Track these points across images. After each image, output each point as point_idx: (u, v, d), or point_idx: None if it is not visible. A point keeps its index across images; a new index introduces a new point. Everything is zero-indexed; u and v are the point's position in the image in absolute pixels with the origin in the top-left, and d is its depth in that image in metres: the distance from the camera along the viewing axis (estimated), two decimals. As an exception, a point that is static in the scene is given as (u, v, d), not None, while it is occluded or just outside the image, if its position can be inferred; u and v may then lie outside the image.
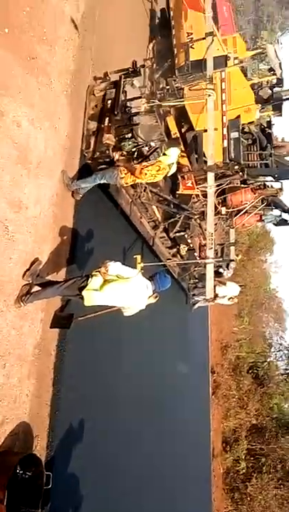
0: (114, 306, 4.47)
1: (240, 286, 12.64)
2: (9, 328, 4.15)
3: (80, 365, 5.88)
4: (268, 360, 27.95)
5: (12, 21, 4.31)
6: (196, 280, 13.06)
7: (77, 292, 4.23)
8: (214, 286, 8.23)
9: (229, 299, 11.80)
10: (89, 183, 5.57)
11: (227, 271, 12.11)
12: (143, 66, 7.12)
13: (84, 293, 4.14)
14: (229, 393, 21.96)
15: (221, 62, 7.75)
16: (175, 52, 8.35)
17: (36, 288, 4.43)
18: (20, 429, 4.19)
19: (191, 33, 7.94)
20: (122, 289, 4.18)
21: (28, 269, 4.40)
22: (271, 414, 23.21)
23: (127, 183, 5.63)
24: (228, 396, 21.89)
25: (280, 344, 30.43)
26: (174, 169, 5.85)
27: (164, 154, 5.67)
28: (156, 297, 4.45)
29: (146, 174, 5.50)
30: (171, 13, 8.98)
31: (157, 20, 10.25)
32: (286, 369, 28.40)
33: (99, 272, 4.19)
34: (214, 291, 8.26)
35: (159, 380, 10.44)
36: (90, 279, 4.20)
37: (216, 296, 11.24)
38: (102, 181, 5.58)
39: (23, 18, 4.53)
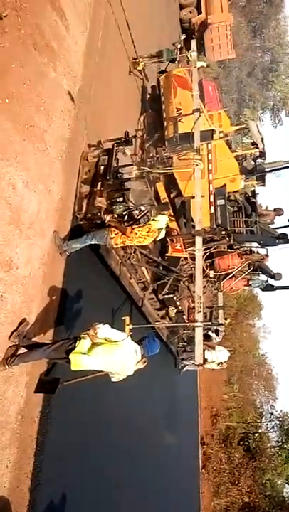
0: (102, 371, 4.31)
1: (229, 351, 12.44)
2: (-9, 392, 3.94)
3: (64, 434, 5.56)
4: (259, 431, 26.82)
5: (13, 92, 4.59)
6: (185, 343, 12.84)
7: (64, 355, 4.11)
8: (203, 351, 8.09)
9: (218, 364, 11.56)
10: (80, 243, 5.63)
11: (216, 337, 11.98)
12: (134, 136, 7.56)
13: (71, 356, 4.02)
14: (220, 467, 20.74)
15: (208, 135, 8.30)
16: (165, 124, 8.90)
17: (22, 350, 4.28)
18: (-1, 505, 3.83)
19: (180, 109, 8.54)
20: (111, 353, 4.07)
21: (15, 330, 4.29)
22: (264, 492, 21.80)
23: (116, 244, 5.70)
24: (219, 470, 20.62)
25: (271, 414, 29.37)
26: (162, 234, 6.00)
27: (154, 220, 5.84)
28: (144, 362, 4.33)
29: (136, 234, 5.61)
30: (162, 90, 9.71)
31: (148, 96, 11.05)
32: (278, 441, 27.13)
33: (87, 334, 4.10)
34: (203, 356, 8.10)
35: (145, 452, 9.84)
36: (77, 341, 4.11)
37: (205, 360, 11.03)
38: (92, 242, 5.66)
39: (23, 90, 4.83)
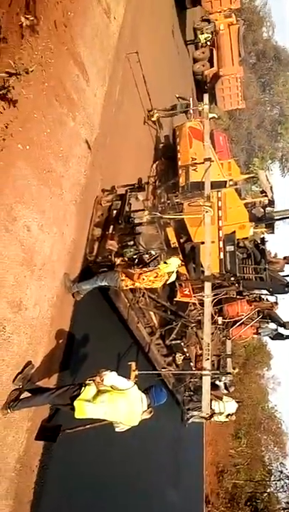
0: (106, 420, 4.16)
1: (237, 402, 12.02)
2: (-8, 438, 3.82)
3: (63, 486, 5.30)
4: (268, 490, 25.25)
5: (34, 139, 4.80)
6: (192, 393, 12.43)
7: (69, 402, 3.99)
8: (210, 401, 7.82)
9: (227, 416, 11.14)
10: (90, 284, 5.65)
11: (225, 389, 11.60)
12: (147, 183, 7.76)
13: (76, 403, 3.90)
14: (226, 532, 19.37)
15: (221, 185, 8.53)
16: (179, 172, 9.15)
17: (26, 394, 4.18)
18: None
19: (195, 158, 8.82)
20: (117, 402, 3.95)
21: (20, 373, 4.21)
22: None
23: (127, 286, 5.71)
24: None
25: (281, 472, 27.74)
26: (173, 277, 5.99)
27: (165, 263, 5.86)
28: (150, 412, 4.18)
29: (144, 279, 5.61)
30: (177, 140, 10.07)
31: (161, 145, 11.46)
32: (288, 502, 25.46)
33: (93, 380, 4.00)
34: (210, 407, 7.82)
35: (148, 509, 9.27)
36: (83, 388, 4.00)
37: (212, 413, 10.65)
38: (103, 283, 5.67)
39: (43, 138, 5.06)
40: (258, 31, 40.90)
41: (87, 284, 5.65)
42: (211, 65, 22.22)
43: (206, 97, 10.46)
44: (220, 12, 21.22)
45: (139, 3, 10.41)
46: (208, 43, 22.14)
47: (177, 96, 11.30)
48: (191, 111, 11.04)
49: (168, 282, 6.00)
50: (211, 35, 21.67)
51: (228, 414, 11.44)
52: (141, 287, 5.93)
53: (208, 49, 21.86)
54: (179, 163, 9.41)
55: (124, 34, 8.68)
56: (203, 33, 21.64)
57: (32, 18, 4.38)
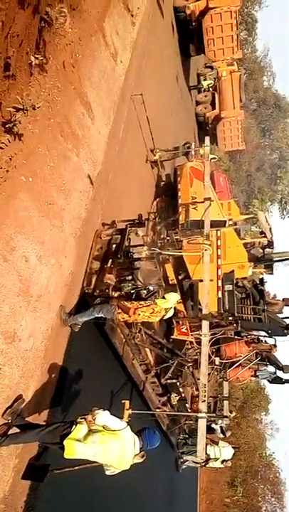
0: (96, 462, 3.97)
1: (233, 447, 11.57)
2: (-25, 476, 3.63)
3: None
4: None
5: (37, 172, 4.88)
6: (186, 436, 12.01)
7: (58, 440, 3.83)
8: (206, 445, 7.52)
9: (222, 462, 10.71)
10: (87, 316, 5.58)
11: (222, 433, 11.23)
12: (147, 219, 7.86)
13: (65, 442, 3.74)
14: None
15: (220, 224, 8.64)
16: (180, 210, 9.29)
17: (14, 429, 4.02)
18: None
19: (195, 197, 8.98)
20: (108, 443, 3.79)
21: (9, 407, 4.06)
22: None
23: (123, 318, 5.63)
24: None
25: (278, 525, 26.30)
26: (170, 313, 5.91)
27: (164, 297, 5.80)
28: (142, 456, 4.00)
29: (139, 315, 5.54)
30: (178, 179, 10.29)
31: (162, 183, 11.70)
32: None
33: (85, 419, 3.85)
34: (205, 452, 7.51)
35: None
36: (74, 426, 3.85)
37: (207, 458, 10.24)
38: (99, 315, 5.59)
39: (46, 171, 5.15)
40: (259, 80, 42.89)
41: (83, 316, 5.58)
42: (213, 108, 23.24)
43: (207, 139, 10.79)
44: (222, 60, 22.31)
45: (145, 49, 10.95)
46: (211, 89, 23.23)
47: (183, 144, 11.63)
48: (193, 152, 11.35)
49: (165, 318, 5.91)
50: (213, 82, 22.75)
51: (224, 460, 10.99)
52: (137, 321, 5.83)
53: (211, 93, 22.88)
54: (180, 201, 9.58)
55: (130, 77, 9.06)
56: (206, 79, 22.74)
57: (41, 58, 4.57)
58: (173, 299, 5.81)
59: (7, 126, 4.06)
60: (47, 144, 5.16)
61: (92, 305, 5.72)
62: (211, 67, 22.64)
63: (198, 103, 23.55)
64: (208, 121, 24.23)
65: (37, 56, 4.44)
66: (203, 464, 11.72)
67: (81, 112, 6.36)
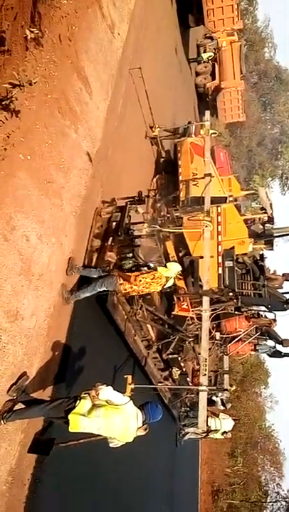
0: (100, 435, 4.08)
1: (234, 419, 11.86)
2: (-17, 449, 3.74)
3: (55, 502, 5.15)
4: (264, 512, 24.73)
5: (35, 150, 4.82)
6: (188, 409, 12.28)
7: (63, 415, 3.91)
8: (207, 418, 7.71)
9: (223, 433, 10.99)
10: (89, 291, 5.61)
11: (223, 405, 11.49)
12: (147, 196, 7.80)
13: (70, 417, 3.83)
14: None
15: (221, 201, 8.57)
16: (180, 187, 9.19)
17: (20, 405, 4.11)
18: None
19: (196, 173, 8.87)
20: (111, 417, 3.88)
21: (14, 384, 4.14)
22: None
23: (125, 290, 5.64)
24: None
25: (277, 493, 27.23)
26: (171, 282, 5.93)
27: (165, 266, 5.87)
28: (145, 429, 4.10)
29: (140, 281, 5.58)
30: (178, 155, 10.14)
31: (162, 159, 11.55)
32: (284, 524, 24.92)
33: (88, 394, 3.93)
34: (207, 424, 7.71)
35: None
36: (77, 401, 3.93)
37: (208, 430, 10.50)
38: (102, 289, 5.63)
39: (44, 149, 5.08)
40: (260, 51, 41.72)
41: (86, 291, 5.61)
42: (213, 78, 22.81)
43: (207, 113, 10.60)
44: (222, 31, 21.70)
45: (143, 20, 10.61)
46: (211, 61, 22.70)
47: (184, 126, 11.39)
48: (193, 128, 11.13)
49: (165, 286, 5.91)
50: (213, 54, 22.17)
51: (224, 432, 11.29)
52: (138, 290, 5.80)
53: (211, 63, 22.37)
54: (180, 177, 9.48)
55: (128, 50, 8.82)
56: (206, 51, 22.15)
57: (37, 31, 4.44)
58: (174, 268, 5.88)
59: (3, 103, 3.98)
60: (44, 120, 5.08)
61: (94, 279, 5.75)
62: (211, 38, 22.01)
63: (197, 74, 23.09)
64: (208, 92, 23.82)
65: (32, 29, 4.31)
66: (203, 435, 12.07)
67: (79, 87, 6.23)
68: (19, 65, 4.36)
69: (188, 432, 13.06)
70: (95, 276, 5.73)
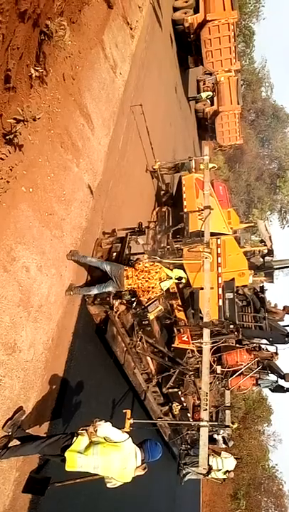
0: (97, 475, 3.92)
1: (236, 458, 11.46)
2: (-25, 490, 3.58)
3: None
4: None
5: (37, 183, 4.92)
6: (188, 446, 11.88)
7: (59, 452, 3.79)
8: (208, 456, 7.44)
9: (225, 473, 10.59)
10: (96, 289, 5.81)
11: (224, 442, 11.16)
12: (147, 227, 7.86)
13: (67, 454, 3.70)
14: None
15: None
16: (186, 220, 9.28)
17: (15, 441, 3.98)
18: None
19: (201, 209, 8.97)
20: (109, 455, 3.75)
21: (10, 419, 4.04)
22: None
23: (130, 284, 5.71)
24: None
25: (283, 538, 25.83)
26: (169, 283, 5.98)
27: (169, 269, 5.99)
28: (144, 469, 3.96)
29: (145, 267, 5.74)
30: (184, 189, 10.31)
31: (162, 192, 11.75)
32: None
33: (86, 430, 3.81)
34: (208, 462, 7.42)
35: None
36: (74, 438, 3.81)
37: (210, 469, 10.11)
38: (108, 289, 5.79)
39: (46, 182, 5.18)
40: (257, 91, 43.35)
41: (93, 289, 5.78)
42: (212, 105, 23.87)
43: (206, 148, 10.85)
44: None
45: (144, 61, 11.09)
46: (209, 101, 23.77)
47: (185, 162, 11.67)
48: (193, 162, 11.37)
49: (163, 285, 5.88)
50: (212, 94, 23.23)
51: (227, 471, 10.88)
52: (141, 285, 5.77)
53: (211, 91, 23.47)
54: (185, 210, 9.59)
55: (129, 88, 9.17)
56: (205, 91, 23.18)
57: (41, 70, 4.63)
58: (177, 271, 5.99)
59: (7, 137, 4.10)
60: (47, 154, 5.20)
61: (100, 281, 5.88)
62: (210, 74, 23.18)
63: (197, 101, 24.29)
64: (206, 116, 25.24)
65: (37, 68, 4.49)
66: (205, 474, 11.62)
67: (81, 123, 6.42)
68: (24, 102, 4.52)
69: (188, 472, 12.59)
70: (96, 291, 5.86)
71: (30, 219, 4.72)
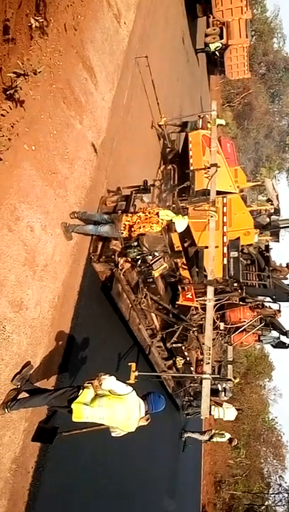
0: (103, 425, 4.12)
1: (237, 409, 11.97)
2: (-12, 437, 3.80)
3: (59, 489, 5.24)
4: (266, 503, 24.93)
5: (40, 141, 4.83)
6: (191, 398, 12.38)
7: (66, 404, 3.96)
8: (210, 407, 7.76)
9: (229, 441, 11.50)
10: (91, 230, 5.71)
11: (224, 393, 11.62)
12: (153, 185, 7.76)
13: (73, 406, 3.87)
14: None
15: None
16: (192, 178, 9.10)
17: (24, 394, 4.16)
18: None
19: (208, 166, 8.79)
20: (114, 407, 3.92)
21: (18, 373, 4.20)
22: None
23: (128, 221, 5.56)
24: None
25: (280, 485, 27.40)
26: (166, 216, 5.70)
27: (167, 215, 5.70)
28: (147, 419, 4.15)
29: (145, 208, 5.67)
30: (190, 146, 10.05)
31: (168, 149, 11.49)
32: (286, 516, 25.11)
33: (91, 383, 3.97)
34: (210, 412, 7.76)
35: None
36: (81, 390, 3.97)
37: (210, 437, 10.91)
38: (102, 229, 5.68)
39: (49, 139, 5.08)
40: (269, 42, 41.07)
41: (90, 226, 5.67)
42: (221, 38, 23.08)
43: (214, 103, 10.49)
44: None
45: (150, 10, 10.50)
46: (218, 54, 22.81)
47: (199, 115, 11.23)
48: (200, 121, 11.00)
49: (162, 215, 5.65)
50: (221, 45, 22.13)
51: (230, 439, 11.74)
52: (137, 223, 5.59)
53: (219, 27, 22.44)
54: (192, 168, 9.41)
55: (134, 39, 8.75)
56: (214, 42, 22.04)
57: (42, 20, 4.41)
58: (180, 220, 5.69)
59: (8, 92, 3.98)
60: (49, 111, 5.07)
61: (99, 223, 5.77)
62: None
63: (206, 35, 23.43)
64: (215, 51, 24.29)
65: (37, 18, 4.28)
66: (207, 440, 12.58)
67: (84, 77, 6.20)
68: (24, 54, 4.35)
69: (192, 437, 13.40)
70: (92, 230, 5.75)
71: (33, 178, 4.68)
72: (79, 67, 6.05)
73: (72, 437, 4.54)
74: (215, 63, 26.32)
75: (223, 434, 12.48)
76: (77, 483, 5.90)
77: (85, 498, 6.11)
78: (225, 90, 36.29)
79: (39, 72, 4.49)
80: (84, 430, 4.55)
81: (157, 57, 11.08)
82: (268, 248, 9.59)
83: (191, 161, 9.65)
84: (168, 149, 11.55)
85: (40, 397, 4.15)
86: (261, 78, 40.74)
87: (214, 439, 12.67)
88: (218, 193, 8.16)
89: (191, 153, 9.85)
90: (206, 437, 13.15)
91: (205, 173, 8.57)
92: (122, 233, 5.59)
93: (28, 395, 4.21)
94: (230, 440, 12.74)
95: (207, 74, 27.21)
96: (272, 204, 9.93)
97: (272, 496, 26.81)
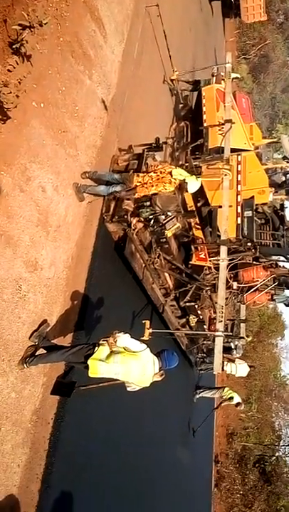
0: (118, 380, 4.27)
1: (249, 366, 12.23)
2: (10, 390, 3.99)
3: (77, 439, 5.53)
4: (277, 454, 25.91)
5: (48, 97, 4.71)
6: (204, 355, 12.67)
7: (83, 360, 4.10)
8: (223, 363, 7.95)
9: (236, 404, 12.18)
10: (102, 190, 5.69)
11: (236, 351, 11.86)
12: (165, 143, 7.57)
13: (89, 362, 4.01)
14: (233, 487, 20.09)
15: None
16: (206, 135, 8.84)
17: (41, 351, 4.32)
18: (8, 502, 3.85)
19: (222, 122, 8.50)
20: (129, 363, 4.04)
21: (35, 330, 4.34)
22: (278, 518, 21.05)
23: (139, 182, 5.54)
24: (232, 491, 20.00)
25: (290, 438, 28.27)
26: (179, 175, 5.64)
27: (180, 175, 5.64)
28: (162, 375, 4.28)
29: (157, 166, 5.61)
30: (203, 101, 9.69)
31: (180, 106, 11.11)
32: (296, 466, 26.11)
33: (106, 341, 4.08)
34: (223, 368, 7.93)
35: (158, 464, 9.69)
36: (96, 347, 4.09)
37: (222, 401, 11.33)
38: (113, 189, 5.67)
39: (58, 96, 4.95)
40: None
41: (102, 187, 5.64)
42: None
43: (228, 55, 9.98)
44: None
45: None
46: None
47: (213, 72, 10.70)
48: (214, 78, 10.51)
49: (175, 174, 5.60)
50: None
51: (238, 403, 12.73)
52: (151, 182, 5.54)
53: None
54: (205, 124, 9.12)
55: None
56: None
57: None
58: (193, 181, 5.65)
59: (14, 46, 3.83)
60: (57, 65, 4.91)
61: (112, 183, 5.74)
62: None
63: None
64: None
65: None
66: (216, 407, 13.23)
67: (92, 29, 5.93)
68: (29, 5, 4.15)
69: (204, 397, 13.93)
70: (103, 190, 5.71)
71: (43, 137, 4.60)
72: (87, 19, 5.77)
73: (89, 391, 4.74)
74: (230, 6, 25.21)
75: (232, 397, 12.92)
76: (95, 432, 6.20)
77: (101, 447, 6.44)
78: (240, 41, 34.32)
79: (45, 24, 4.28)
80: (100, 385, 4.71)
81: (169, 5, 10.48)
82: (282, 207, 9.43)
83: (204, 117, 9.32)
84: (180, 105, 11.17)
85: (58, 353, 4.30)
86: (279, 28, 38.21)
87: (223, 403, 13.38)
88: (233, 150, 7.92)
89: (204, 108, 9.51)
90: (217, 395, 13.70)
91: (219, 129, 8.30)
92: (134, 194, 5.55)
93: (45, 352, 4.36)
94: (238, 404, 13.19)
95: (222, 18, 25.92)
96: (288, 162, 9.65)
97: (283, 447, 27.82)
